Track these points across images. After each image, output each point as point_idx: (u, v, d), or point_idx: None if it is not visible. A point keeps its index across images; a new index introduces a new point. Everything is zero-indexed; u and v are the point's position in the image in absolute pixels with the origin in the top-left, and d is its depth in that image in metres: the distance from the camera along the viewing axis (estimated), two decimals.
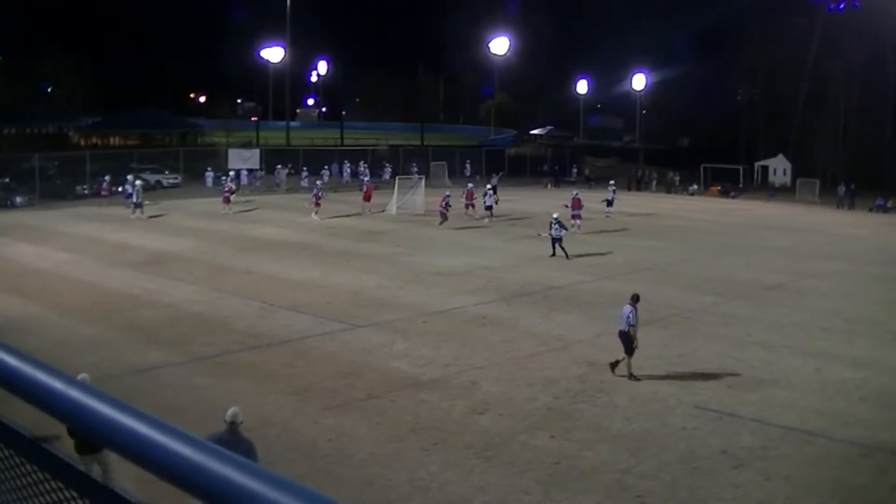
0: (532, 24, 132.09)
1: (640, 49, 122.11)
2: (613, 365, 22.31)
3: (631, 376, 21.97)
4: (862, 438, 18.24)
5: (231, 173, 68.47)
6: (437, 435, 18.09)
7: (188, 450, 1.61)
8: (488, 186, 58.68)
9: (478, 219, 54.99)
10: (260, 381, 21.34)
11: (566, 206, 49.18)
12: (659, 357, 24.28)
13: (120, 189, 59.27)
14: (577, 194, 52.33)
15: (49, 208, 57.05)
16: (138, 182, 56.06)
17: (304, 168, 77.09)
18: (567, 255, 39.52)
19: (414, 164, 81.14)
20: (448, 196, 53.26)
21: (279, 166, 77.21)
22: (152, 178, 72.50)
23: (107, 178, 61.12)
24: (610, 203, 59.82)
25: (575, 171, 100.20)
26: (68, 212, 56.21)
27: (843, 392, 21.41)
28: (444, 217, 51.97)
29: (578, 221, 49.77)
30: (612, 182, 65.02)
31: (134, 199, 53.50)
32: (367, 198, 58.71)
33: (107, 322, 27.40)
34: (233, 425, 13.44)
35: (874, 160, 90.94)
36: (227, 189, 58.61)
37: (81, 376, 14.15)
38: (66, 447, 9.31)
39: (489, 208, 55.13)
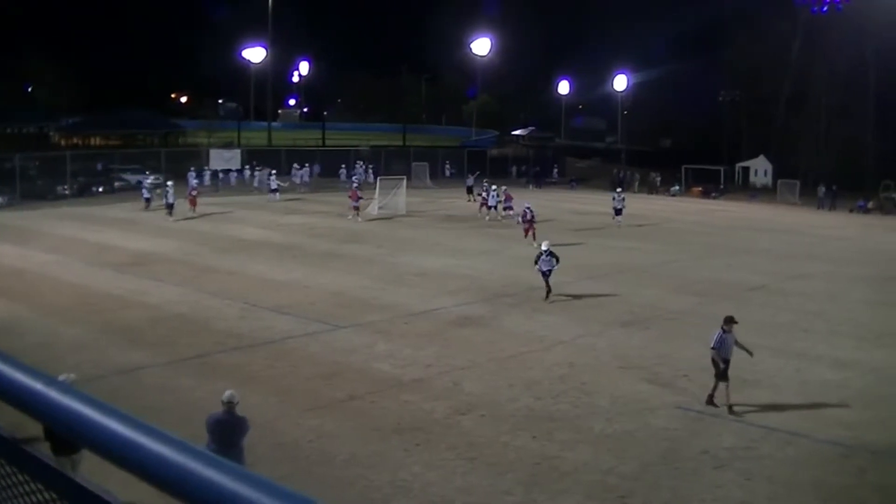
0: (514, 25, 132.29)
1: (622, 50, 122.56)
2: (711, 397, 20.37)
3: (729, 408, 20.02)
4: (843, 439, 18.32)
5: (194, 173, 67.59)
6: (419, 436, 18.10)
7: (170, 451, 1.61)
8: (493, 186, 59.44)
9: (500, 219, 55.89)
10: (242, 383, 21.25)
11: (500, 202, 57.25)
12: (641, 358, 24.36)
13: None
14: (505, 189, 59.05)
15: (30, 209, 56.81)
16: (170, 182, 55.93)
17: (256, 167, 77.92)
18: (548, 294, 31.55)
19: (361, 164, 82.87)
20: (528, 207, 46.02)
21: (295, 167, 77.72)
22: (134, 178, 72.51)
23: (166, 180, 61.65)
24: (619, 212, 54.69)
25: (556, 171, 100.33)
26: (49, 212, 56.00)
27: (825, 393, 21.50)
28: (531, 230, 44.94)
29: (511, 212, 55.12)
30: (619, 189, 60.00)
31: (169, 200, 53.13)
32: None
33: (89, 323, 27.31)
34: (229, 405, 14.39)
35: (855, 161, 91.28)
36: (192, 190, 56.91)
37: (65, 376, 14.18)
38: (47, 448, 9.28)
39: (492, 207, 56.48)
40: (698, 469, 16.74)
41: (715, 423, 19.19)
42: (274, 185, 67.07)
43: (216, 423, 14.18)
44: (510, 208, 56.08)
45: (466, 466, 16.65)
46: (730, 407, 19.96)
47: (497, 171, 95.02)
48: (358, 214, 54.16)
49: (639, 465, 16.85)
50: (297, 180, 76.88)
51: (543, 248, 32.25)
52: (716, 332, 20.52)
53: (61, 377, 14.11)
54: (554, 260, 31.65)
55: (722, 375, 20.15)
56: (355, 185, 60.52)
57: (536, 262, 32.02)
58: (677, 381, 22.30)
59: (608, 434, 18.45)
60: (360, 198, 55.03)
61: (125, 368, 22.36)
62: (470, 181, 71.27)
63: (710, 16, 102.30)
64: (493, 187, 58.95)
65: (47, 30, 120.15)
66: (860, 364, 24.27)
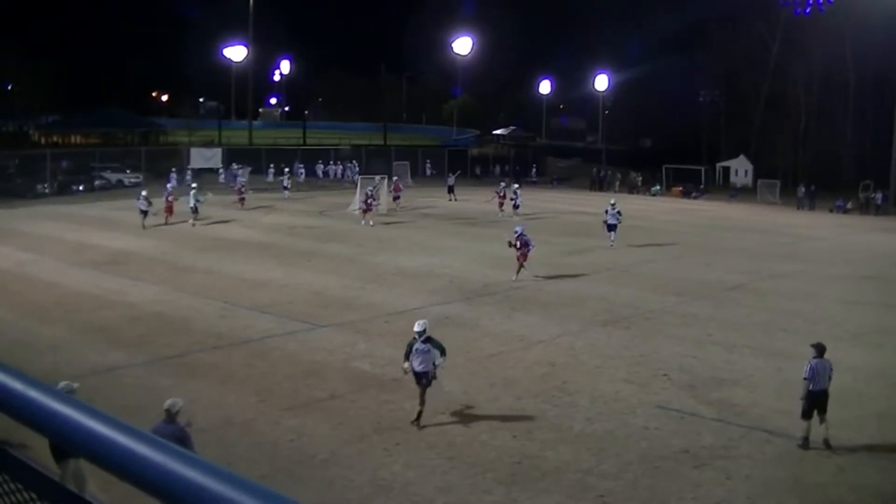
0: (495, 25, 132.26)
1: (602, 50, 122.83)
2: (824, 440, 17.95)
3: (828, 444, 17.87)
4: (821, 437, 18.37)
5: (173, 177, 66.73)
6: (399, 435, 18.09)
7: (150, 451, 1.61)
8: (516, 186, 60.22)
9: (509, 217, 55.76)
10: (221, 382, 21.26)
11: (389, 192, 60.48)
12: (620, 357, 24.39)
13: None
14: (396, 180, 64.36)
15: (8, 207, 56.49)
16: (194, 185, 54.27)
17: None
18: (419, 416, 18.76)
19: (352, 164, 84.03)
20: (521, 232, 35.38)
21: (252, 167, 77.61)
22: (114, 177, 72.26)
23: (239, 172, 61.90)
24: (612, 228, 45.25)
25: (535, 170, 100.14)
26: (28, 211, 55.74)
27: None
28: (521, 262, 34.99)
29: (399, 202, 60.52)
30: (612, 202, 46.97)
31: (191, 204, 50.51)
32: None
33: (67, 322, 27.20)
34: (167, 413, 14.17)
35: (834, 162, 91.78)
36: (169, 194, 52.18)
37: (65, 384, 14.15)
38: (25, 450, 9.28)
39: (517, 207, 56.69)
40: (678, 468, 16.78)
41: (694, 423, 19.23)
42: (286, 183, 68.02)
43: (153, 432, 13.74)
44: (398, 198, 60.97)
45: (446, 466, 16.66)
46: (808, 441, 18.00)
47: (478, 170, 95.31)
48: (366, 219, 52.45)
49: (618, 464, 16.88)
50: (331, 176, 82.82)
51: (417, 329, 19.15)
52: (827, 364, 18.67)
53: (61, 384, 14.08)
54: (436, 353, 19.14)
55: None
56: (371, 187, 60.46)
57: (407, 357, 19.16)
58: (657, 380, 22.34)
59: (588, 433, 18.48)
60: (376, 200, 54.46)
61: (103, 368, 22.27)
62: (451, 180, 71.40)
63: (690, 16, 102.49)
64: (515, 186, 59.52)
65: (25, 27, 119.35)
66: (838, 363, 24.20)
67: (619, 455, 17.31)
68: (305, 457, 16.96)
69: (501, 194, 58.57)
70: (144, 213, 48.19)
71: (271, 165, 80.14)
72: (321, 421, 18.82)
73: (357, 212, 54.01)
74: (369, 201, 53.16)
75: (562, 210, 62.41)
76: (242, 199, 59.71)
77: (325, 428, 18.40)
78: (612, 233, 45.00)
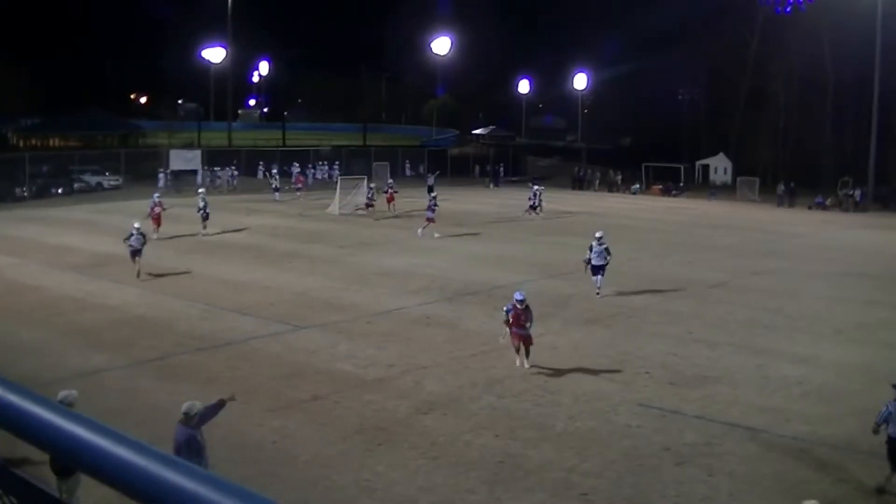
0: (474, 25, 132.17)
1: (582, 49, 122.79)
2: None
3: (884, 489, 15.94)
4: (803, 434, 18.45)
5: (161, 177, 66.18)
6: (382, 435, 18.09)
7: (129, 454, 1.60)
8: (536, 187, 60.37)
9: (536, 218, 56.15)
10: (204, 384, 21.19)
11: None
12: (602, 356, 24.44)
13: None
14: (298, 173, 66.18)
15: None
16: (201, 191, 52.57)
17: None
18: None
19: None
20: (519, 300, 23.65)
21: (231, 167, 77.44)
22: (93, 179, 72.03)
23: (297, 166, 67.38)
24: (599, 270, 33.03)
25: (503, 170, 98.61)
26: (7, 215, 55.49)
27: (785, 388, 21.65)
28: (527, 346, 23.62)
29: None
30: (599, 235, 33.91)
31: (206, 211, 47.23)
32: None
33: (48, 326, 27.10)
34: (185, 416, 14.01)
35: (813, 159, 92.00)
36: (155, 204, 46.33)
37: (66, 393, 14.09)
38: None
39: (533, 207, 57.02)
40: (660, 466, 16.82)
41: (677, 420, 19.28)
42: (275, 185, 67.96)
43: (175, 438, 13.81)
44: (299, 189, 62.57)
45: (429, 465, 16.67)
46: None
47: (458, 170, 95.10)
48: (426, 228, 47.85)
49: (601, 462, 16.91)
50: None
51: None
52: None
53: (61, 394, 13.99)
54: None
55: None
56: (393, 189, 59.79)
57: None
58: (639, 378, 22.39)
59: (571, 432, 18.51)
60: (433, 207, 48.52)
61: (85, 371, 22.19)
62: (430, 180, 71.33)
63: (669, 14, 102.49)
64: (536, 187, 59.40)
65: (4, 29, 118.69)
66: (819, 360, 24.46)
67: (602, 453, 17.35)
68: (288, 458, 16.95)
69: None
70: (138, 252, 35.34)
71: (295, 164, 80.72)
72: (304, 422, 18.81)
73: (421, 229, 47.77)
74: (432, 205, 48.60)
75: (544, 209, 62.47)
76: (370, 206, 57.22)
77: (308, 429, 18.40)
78: (599, 276, 33.03)
